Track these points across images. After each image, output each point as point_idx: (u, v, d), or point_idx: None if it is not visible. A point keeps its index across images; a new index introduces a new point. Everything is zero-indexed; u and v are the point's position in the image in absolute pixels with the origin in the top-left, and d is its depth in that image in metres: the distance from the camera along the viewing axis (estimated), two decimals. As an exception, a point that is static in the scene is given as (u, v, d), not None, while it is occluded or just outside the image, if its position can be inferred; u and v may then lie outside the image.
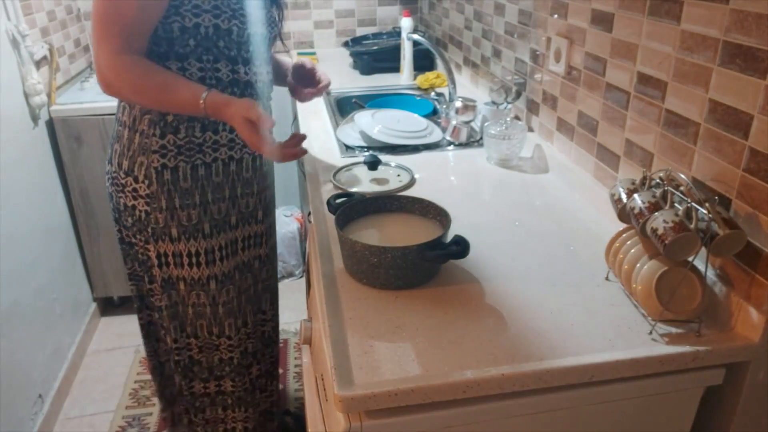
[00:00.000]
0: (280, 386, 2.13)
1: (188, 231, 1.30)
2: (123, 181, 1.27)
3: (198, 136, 1.25)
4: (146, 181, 1.25)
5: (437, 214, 1.12)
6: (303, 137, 1.23)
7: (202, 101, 1.12)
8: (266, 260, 1.47)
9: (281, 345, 2.34)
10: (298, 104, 2.11)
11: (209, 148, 1.26)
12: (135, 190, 1.26)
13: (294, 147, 1.20)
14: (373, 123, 1.68)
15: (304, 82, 1.50)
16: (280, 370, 2.21)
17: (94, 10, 1.10)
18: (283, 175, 3.04)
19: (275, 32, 1.36)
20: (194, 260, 1.32)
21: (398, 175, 1.46)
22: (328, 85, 1.51)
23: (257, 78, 1.30)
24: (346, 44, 2.71)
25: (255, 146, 1.14)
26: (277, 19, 1.36)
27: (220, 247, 1.34)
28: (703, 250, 0.87)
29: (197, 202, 1.28)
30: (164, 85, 1.14)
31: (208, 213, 1.30)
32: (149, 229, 1.29)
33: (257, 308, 1.48)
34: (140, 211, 1.28)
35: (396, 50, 2.46)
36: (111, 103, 1.89)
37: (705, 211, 0.86)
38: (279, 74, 1.51)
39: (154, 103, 1.18)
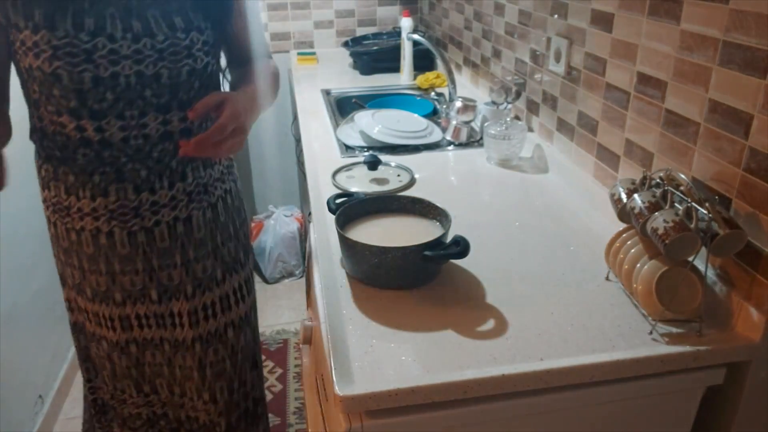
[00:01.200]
0: (279, 387, 2.13)
1: (74, 287, 1.19)
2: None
3: (64, 198, 1.09)
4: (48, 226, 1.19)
5: (437, 215, 1.12)
6: None
7: None
8: (190, 347, 1.21)
9: (280, 346, 2.34)
10: (298, 104, 2.10)
11: (75, 214, 1.09)
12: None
13: None
14: (373, 123, 1.68)
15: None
16: (279, 371, 2.21)
17: None
18: (284, 175, 3.05)
19: (195, 65, 1.03)
20: (84, 316, 1.21)
21: (398, 175, 1.46)
22: (207, 142, 0.93)
23: (131, 134, 1.02)
24: (346, 44, 2.71)
25: None
26: (198, 46, 1.03)
27: (104, 316, 1.17)
28: (704, 250, 0.87)
29: (76, 265, 1.15)
30: None
31: (87, 279, 1.15)
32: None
33: (180, 392, 1.25)
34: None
35: (396, 50, 2.46)
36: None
37: (705, 211, 0.86)
38: None
39: None
